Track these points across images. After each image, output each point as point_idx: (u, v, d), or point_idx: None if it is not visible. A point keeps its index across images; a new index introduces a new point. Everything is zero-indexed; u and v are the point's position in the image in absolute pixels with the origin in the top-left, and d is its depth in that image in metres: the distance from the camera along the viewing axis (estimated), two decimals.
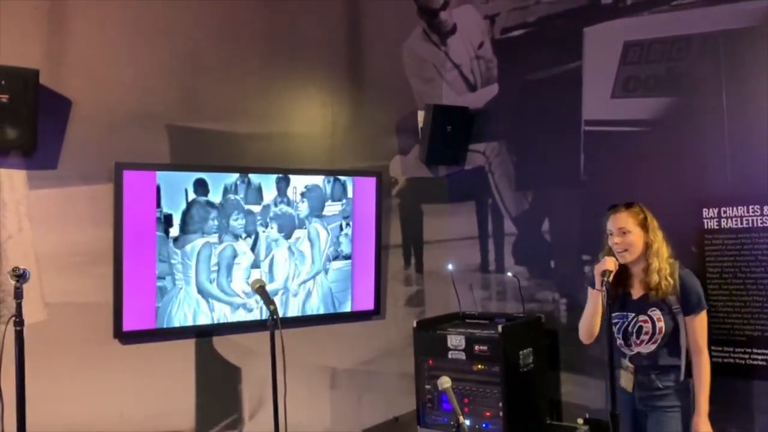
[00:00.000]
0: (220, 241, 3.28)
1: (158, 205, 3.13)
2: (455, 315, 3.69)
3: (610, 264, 2.52)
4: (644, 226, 2.63)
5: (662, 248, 2.62)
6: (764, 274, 2.95)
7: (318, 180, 3.60)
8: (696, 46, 3.19)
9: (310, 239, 3.57)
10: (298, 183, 3.53)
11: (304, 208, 3.55)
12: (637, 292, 2.70)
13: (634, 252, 2.61)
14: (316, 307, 3.61)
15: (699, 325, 2.63)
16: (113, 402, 3.05)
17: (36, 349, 2.71)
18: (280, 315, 2.59)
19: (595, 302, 2.64)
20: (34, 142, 2.81)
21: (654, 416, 2.66)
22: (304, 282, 3.57)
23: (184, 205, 3.19)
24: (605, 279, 2.45)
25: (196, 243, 3.21)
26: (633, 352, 2.69)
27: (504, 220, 3.97)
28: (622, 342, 2.72)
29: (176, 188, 3.17)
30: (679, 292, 2.62)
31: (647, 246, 2.62)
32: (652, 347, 2.65)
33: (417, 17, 4.20)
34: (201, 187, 3.23)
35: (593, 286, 2.66)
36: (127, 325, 3.06)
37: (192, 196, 3.20)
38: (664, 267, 2.60)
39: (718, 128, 3.12)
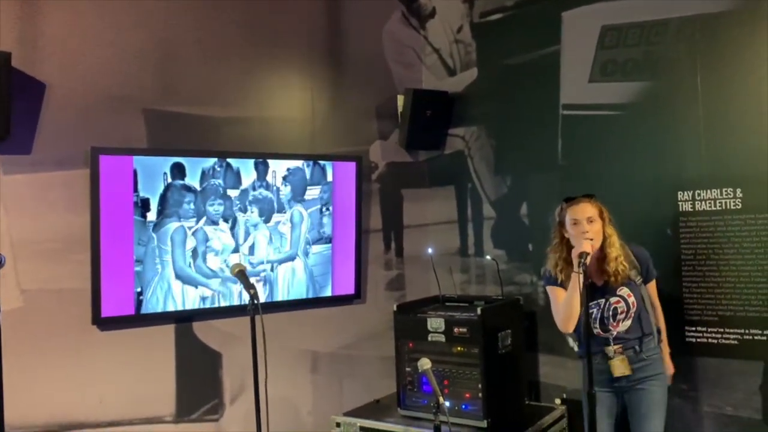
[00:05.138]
0: (198, 225, 3.26)
1: (135, 189, 3.10)
2: (435, 298, 3.71)
3: (587, 246, 2.58)
4: (602, 217, 2.72)
5: (616, 238, 2.74)
6: (736, 255, 3.02)
7: (299, 163, 3.59)
8: (672, 30, 3.22)
9: (292, 222, 3.56)
10: (278, 167, 3.52)
11: (286, 192, 3.54)
12: (598, 280, 2.78)
13: (599, 240, 2.69)
14: (296, 291, 3.61)
15: (653, 287, 2.86)
16: (92, 388, 3.03)
17: (13, 336, 2.69)
18: (261, 300, 2.58)
19: (573, 285, 2.69)
20: (8, 127, 2.75)
21: (638, 389, 2.74)
22: (282, 264, 3.56)
23: (161, 190, 3.16)
24: (582, 261, 2.51)
25: (170, 227, 3.19)
26: (613, 335, 2.76)
27: (483, 204, 4.00)
28: (600, 330, 2.77)
29: (154, 172, 3.14)
30: (638, 265, 2.78)
31: (604, 236, 2.72)
32: (628, 323, 2.76)
33: (396, 1, 4.18)
34: (178, 171, 3.20)
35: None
36: (106, 312, 3.03)
37: (170, 180, 3.18)
38: (619, 254, 2.72)
39: (693, 112, 3.16)
